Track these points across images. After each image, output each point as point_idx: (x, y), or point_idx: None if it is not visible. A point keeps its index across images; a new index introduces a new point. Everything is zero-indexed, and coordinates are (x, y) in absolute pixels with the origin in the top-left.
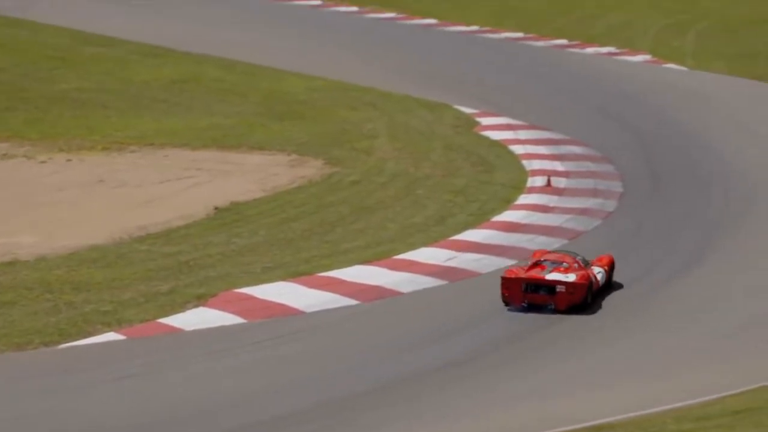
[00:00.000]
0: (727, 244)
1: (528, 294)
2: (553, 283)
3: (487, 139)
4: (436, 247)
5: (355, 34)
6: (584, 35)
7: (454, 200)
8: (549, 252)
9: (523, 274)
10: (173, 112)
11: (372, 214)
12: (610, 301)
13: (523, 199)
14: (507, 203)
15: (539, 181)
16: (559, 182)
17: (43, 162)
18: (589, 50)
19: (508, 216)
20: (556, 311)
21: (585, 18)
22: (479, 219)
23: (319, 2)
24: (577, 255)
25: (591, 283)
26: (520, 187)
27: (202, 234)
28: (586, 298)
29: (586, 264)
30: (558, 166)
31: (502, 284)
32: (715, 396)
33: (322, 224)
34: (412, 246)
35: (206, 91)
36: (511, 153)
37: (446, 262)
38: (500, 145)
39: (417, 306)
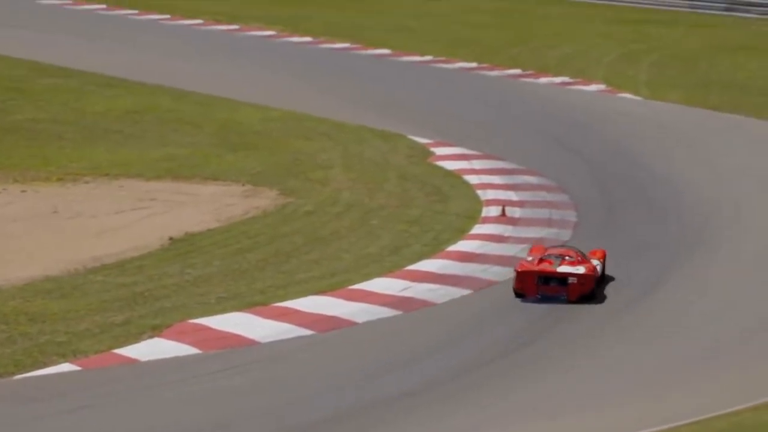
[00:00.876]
0: (682, 272)
1: (542, 286)
2: (566, 276)
3: (441, 169)
4: (391, 277)
5: (309, 64)
6: (538, 65)
7: (409, 230)
8: (551, 247)
9: (536, 268)
10: (128, 142)
11: (327, 245)
12: (565, 327)
13: (478, 229)
14: (462, 233)
15: (494, 211)
16: (513, 212)
17: None
18: (543, 80)
19: (462, 246)
20: (567, 302)
21: (539, 48)
22: (434, 249)
23: (273, 33)
24: (577, 249)
25: (597, 274)
26: (474, 217)
27: (156, 265)
28: (593, 289)
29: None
30: (512, 195)
31: (517, 278)
32: (673, 425)
33: (277, 255)
34: (367, 276)
35: (160, 122)
36: (465, 183)
37: (401, 293)
38: (455, 175)
39: (372, 336)
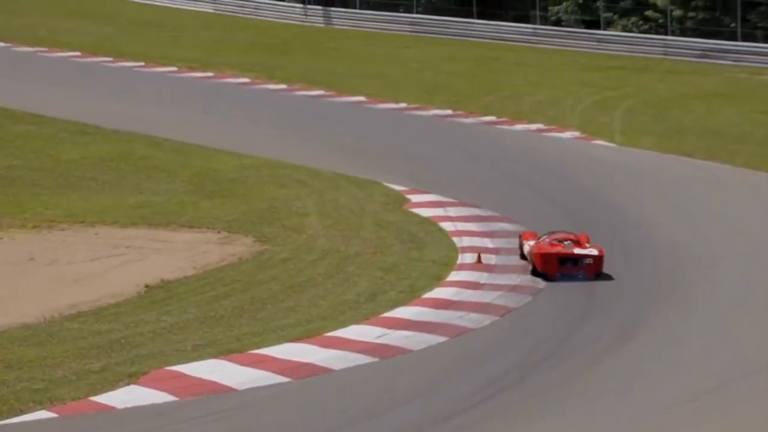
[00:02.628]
0: (657, 321)
1: (561, 267)
2: (583, 257)
3: (417, 216)
4: (367, 324)
5: (283, 111)
6: (513, 112)
7: (385, 277)
8: (549, 233)
9: (555, 250)
10: (103, 190)
11: (303, 292)
12: (542, 375)
13: (454, 276)
14: (437, 280)
15: (469, 258)
16: (489, 259)
17: None
18: (518, 127)
19: (438, 293)
20: (585, 279)
21: (513, 95)
22: (410, 296)
23: (247, 80)
24: (570, 232)
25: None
26: (450, 264)
27: (132, 312)
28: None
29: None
30: (488, 242)
31: (541, 260)
32: None
33: (253, 302)
34: (343, 323)
35: (135, 169)
36: (441, 230)
37: (377, 339)
38: (430, 222)
39: (349, 383)
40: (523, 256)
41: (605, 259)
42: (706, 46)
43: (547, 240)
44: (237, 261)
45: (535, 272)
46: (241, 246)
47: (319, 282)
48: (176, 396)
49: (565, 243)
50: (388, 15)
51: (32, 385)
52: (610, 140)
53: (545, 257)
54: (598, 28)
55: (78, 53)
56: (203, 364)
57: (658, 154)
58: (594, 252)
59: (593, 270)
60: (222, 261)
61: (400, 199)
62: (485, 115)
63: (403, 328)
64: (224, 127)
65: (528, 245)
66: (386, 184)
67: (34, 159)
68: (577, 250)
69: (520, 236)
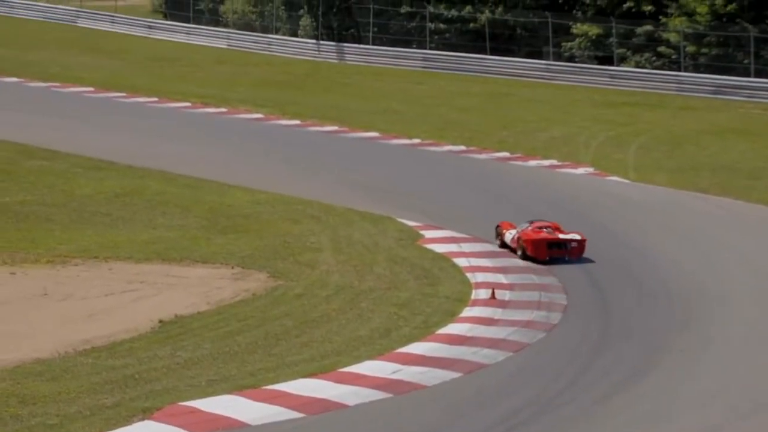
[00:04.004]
0: (670, 356)
1: (550, 250)
2: (569, 241)
3: (431, 251)
4: (382, 359)
5: (296, 147)
6: (526, 148)
7: (399, 313)
8: (530, 222)
9: (543, 236)
10: (116, 225)
11: (317, 327)
12: (555, 411)
13: (468, 311)
14: (452, 316)
15: (483, 293)
16: (503, 294)
17: None
18: (532, 163)
19: (452, 329)
20: (570, 261)
21: (527, 131)
22: (424, 332)
23: (260, 116)
24: (544, 220)
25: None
26: (464, 300)
27: (147, 347)
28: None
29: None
30: (502, 278)
31: (532, 245)
32: None
33: (267, 337)
34: (358, 359)
35: (149, 205)
36: (454, 265)
37: (392, 375)
38: (444, 258)
39: (363, 419)
40: (503, 245)
41: (587, 243)
42: (720, 82)
43: (530, 228)
44: (251, 296)
45: (525, 256)
46: (255, 281)
47: (333, 317)
48: (190, 431)
49: (546, 230)
50: (401, 51)
51: (46, 420)
52: (624, 176)
53: (536, 243)
54: (611, 64)
55: (91, 88)
56: (217, 399)
57: (672, 190)
58: (577, 237)
59: (577, 252)
60: (236, 296)
61: (414, 235)
62: (499, 150)
63: (418, 364)
64: (237, 163)
65: (510, 234)
66: (400, 219)
67: (48, 194)
68: (563, 236)
69: (497, 226)
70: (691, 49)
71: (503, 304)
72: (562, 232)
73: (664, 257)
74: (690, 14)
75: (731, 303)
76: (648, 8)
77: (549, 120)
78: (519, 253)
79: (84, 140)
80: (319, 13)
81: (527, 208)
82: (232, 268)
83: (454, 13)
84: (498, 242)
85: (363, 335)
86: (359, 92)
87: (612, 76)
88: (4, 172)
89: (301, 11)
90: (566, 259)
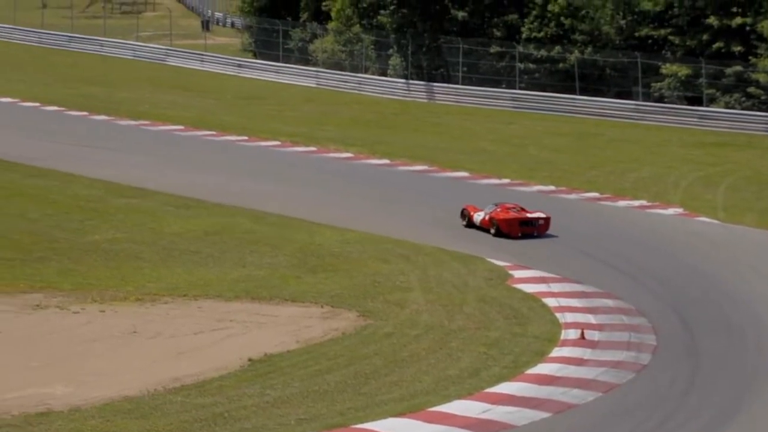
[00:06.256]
0: (758, 400)
1: (522, 227)
2: (537, 219)
3: (520, 291)
4: (471, 399)
5: (386, 186)
6: (615, 188)
7: (488, 353)
8: (496, 205)
9: (514, 215)
10: (205, 263)
11: (406, 367)
12: None
13: (557, 351)
14: (541, 356)
15: (573, 333)
16: (592, 335)
17: (76, 312)
18: (621, 203)
19: (542, 369)
20: (539, 236)
21: (616, 171)
22: (513, 372)
23: (350, 155)
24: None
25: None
26: (553, 340)
27: (236, 385)
28: None
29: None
30: (591, 319)
31: (506, 223)
32: None
33: (356, 376)
34: (447, 398)
35: (238, 243)
36: (544, 305)
37: (481, 415)
38: (533, 298)
39: None
40: (469, 225)
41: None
42: None
43: (499, 209)
44: (340, 335)
45: (498, 233)
46: (345, 320)
47: (423, 357)
48: None
49: (513, 210)
50: (490, 90)
51: None
52: (713, 217)
53: (509, 222)
54: (700, 104)
55: (181, 127)
56: None
57: (762, 230)
58: (543, 215)
59: (544, 229)
60: (325, 335)
61: (503, 275)
62: (588, 191)
63: (507, 404)
64: (327, 202)
65: (478, 216)
66: (489, 259)
67: (137, 232)
68: (530, 214)
69: (464, 209)
70: None
71: (593, 345)
72: (528, 211)
73: (754, 299)
74: None
75: None
76: (737, 48)
77: (638, 160)
78: (492, 231)
79: (173, 178)
80: (409, 52)
81: (617, 250)
82: (322, 307)
83: (543, 53)
84: (464, 223)
85: (452, 375)
86: (448, 131)
87: (701, 117)
88: (93, 211)
89: (391, 50)
90: (535, 234)
